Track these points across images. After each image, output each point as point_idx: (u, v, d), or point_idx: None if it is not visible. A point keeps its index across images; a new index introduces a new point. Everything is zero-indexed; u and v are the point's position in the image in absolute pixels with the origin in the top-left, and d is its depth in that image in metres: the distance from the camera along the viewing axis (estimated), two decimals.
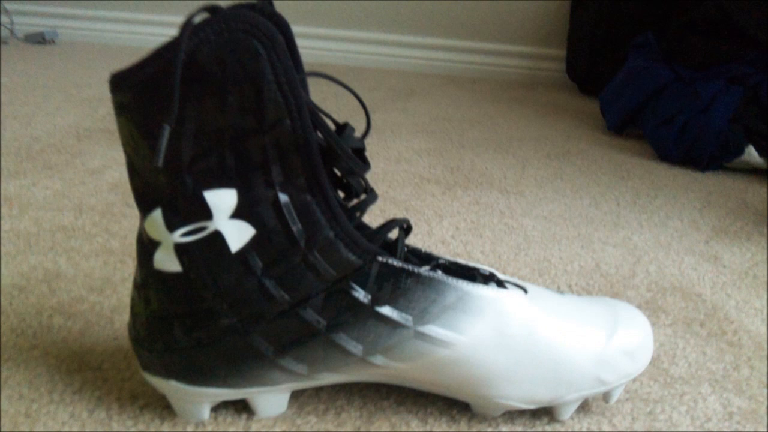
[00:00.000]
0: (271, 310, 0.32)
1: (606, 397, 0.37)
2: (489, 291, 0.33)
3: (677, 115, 0.92)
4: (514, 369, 0.34)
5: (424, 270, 0.33)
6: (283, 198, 0.30)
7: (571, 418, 0.38)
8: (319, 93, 1.26)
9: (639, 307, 0.52)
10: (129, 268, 0.53)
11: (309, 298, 0.32)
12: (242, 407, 0.38)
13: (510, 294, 0.34)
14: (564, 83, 1.53)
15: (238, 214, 0.30)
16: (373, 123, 1.05)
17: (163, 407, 0.37)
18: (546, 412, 0.38)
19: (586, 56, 1.32)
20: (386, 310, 0.33)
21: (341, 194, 0.60)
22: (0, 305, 0.47)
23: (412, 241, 0.62)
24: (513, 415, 0.38)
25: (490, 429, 0.37)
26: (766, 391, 0.42)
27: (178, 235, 0.31)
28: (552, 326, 0.35)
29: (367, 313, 0.32)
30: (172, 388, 0.35)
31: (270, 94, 0.28)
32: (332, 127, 0.75)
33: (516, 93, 1.38)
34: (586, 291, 0.54)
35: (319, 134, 0.33)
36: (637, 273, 0.58)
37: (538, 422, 0.37)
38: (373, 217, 0.67)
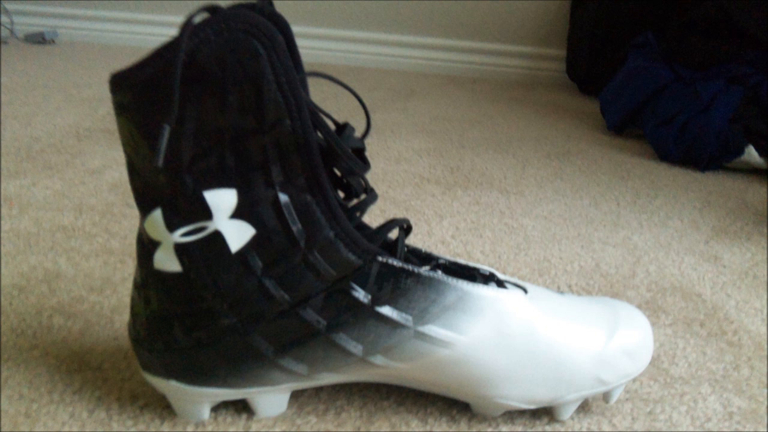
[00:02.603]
0: (271, 310, 0.32)
1: (606, 397, 0.37)
2: (489, 291, 0.33)
3: (677, 115, 0.92)
4: (514, 369, 0.34)
5: (424, 270, 0.33)
6: (283, 198, 0.30)
7: (571, 418, 0.38)
8: (319, 93, 1.26)
9: (639, 307, 0.52)
10: (129, 268, 0.53)
11: (309, 298, 0.32)
12: (242, 407, 0.38)
13: (510, 294, 0.34)
14: (564, 83, 1.53)
15: (238, 214, 0.30)
16: (373, 123, 1.05)
17: (163, 407, 0.37)
18: (546, 412, 0.38)
19: (586, 56, 1.32)
20: (386, 310, 0.33)
21: (341, 194, 0.60)
22: (0, 305, 0.47)
23: (412, 241, 0.62)
24: (513, 415, 0.38)
25: (490, 429, 0.37)
26: (766, 391, 0.42)
27: (178, 235, 0.31)
28: (552, 326, 0.35)
29: (367, 313, 0.32)
30: (172, 388, 0.35)
31: (270, 94, 0.28)
32: (332, 127, 0.75)
33: (516, 93, 1.38)
34: (586, 291, 0.54)
35: (319, 134, 0.33)
36: (637, 273, 0.58)
37: (538, 422, 0.37)
38: (373, 217, 0.67)
